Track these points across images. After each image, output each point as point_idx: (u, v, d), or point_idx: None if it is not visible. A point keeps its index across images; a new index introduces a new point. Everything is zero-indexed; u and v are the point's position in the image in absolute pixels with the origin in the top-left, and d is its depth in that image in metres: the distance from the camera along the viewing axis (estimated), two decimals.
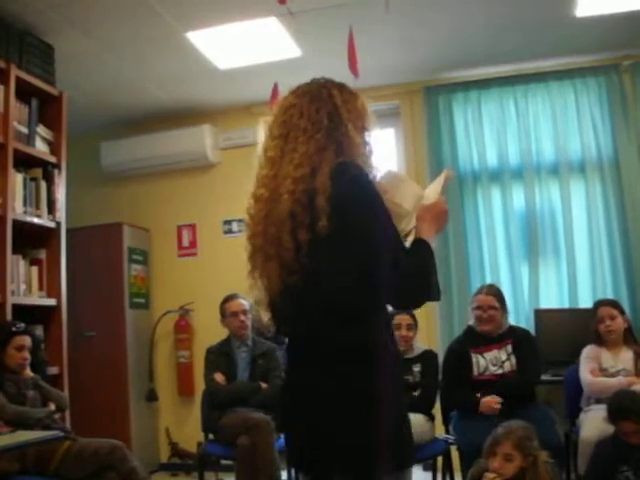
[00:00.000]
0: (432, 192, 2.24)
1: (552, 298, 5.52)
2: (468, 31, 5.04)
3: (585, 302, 5.26)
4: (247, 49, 5.17)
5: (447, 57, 5.52)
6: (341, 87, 2.16)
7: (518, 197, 5.69)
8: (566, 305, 5.42)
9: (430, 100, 5.93)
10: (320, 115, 2.05)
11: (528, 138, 5.67)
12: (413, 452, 2.02)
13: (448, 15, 4.77)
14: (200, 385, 5.17)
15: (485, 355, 4.38)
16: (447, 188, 2.33)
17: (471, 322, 4.59)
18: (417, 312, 5.20)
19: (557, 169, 5.61)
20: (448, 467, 4.39)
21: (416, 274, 1.93)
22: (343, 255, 1.90)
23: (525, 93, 5.71)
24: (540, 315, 5.25)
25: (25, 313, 4.21)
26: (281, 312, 2.09)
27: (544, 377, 4.65)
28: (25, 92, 4.47)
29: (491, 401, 4.16)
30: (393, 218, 2.04)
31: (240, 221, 5.43)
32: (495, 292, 4.54)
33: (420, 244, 2.02)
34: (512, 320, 4.83)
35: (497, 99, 5.77)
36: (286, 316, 2.08)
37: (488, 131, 5.79)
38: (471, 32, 5.06)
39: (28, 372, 3.88)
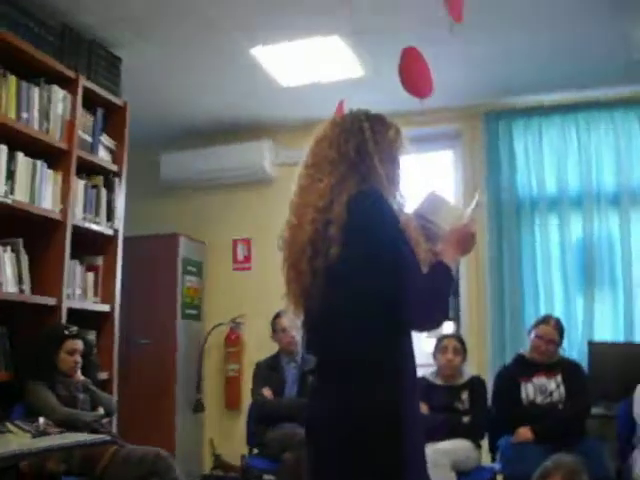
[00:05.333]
0: (465, 213, 2.26)
1: (607, 331, 5.38)
2: (533, 56, 4.98)
3: None
4: (310, 67, 5.21)
5: (511, 82, 5.47)
6: (373, 119, 2.22)
7: (576, 226, 5.59)
8: (621, 339, 5.28)
9: (490, 125, 5.88)
10: (348, 147, 2.13)
11: (589, 167, 5.57)
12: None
13: (514, 39, 4.74)
14: (247, 399, 5.19)
15: (534, 381, 4.33)
16: (479, 211, 2.35)
17: (522, 350, 4.55)
18: (468, 338, 5.18)
19: (617, 199, 5.50)
20: None
21: (430, 299, 1.96)
22: (357, 280, 1.97)
23: (588, 122, 5.62)
24: (594, 348, 5.12)
25: (79, 317, 4.27)
26: (305, 334, 2.19)
27: (596, 411, 4.56)
28: (91, 102, 4.57)
29: (525, 432, 4.15)
30: (431, 239, 2.12)
31: None
32: (559, 327, 4.51)
33: (439, 267, 2.05)
34: (565, 351, 4.74)
35: (559, 127, 5.69)
36: (308, 338, 2.19)
37: (548, 159, 5.72)
38: (536, 57, 5.00)
39: (79, 375, 3.94)
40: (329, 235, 1.99)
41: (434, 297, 1.97)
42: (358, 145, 2.13)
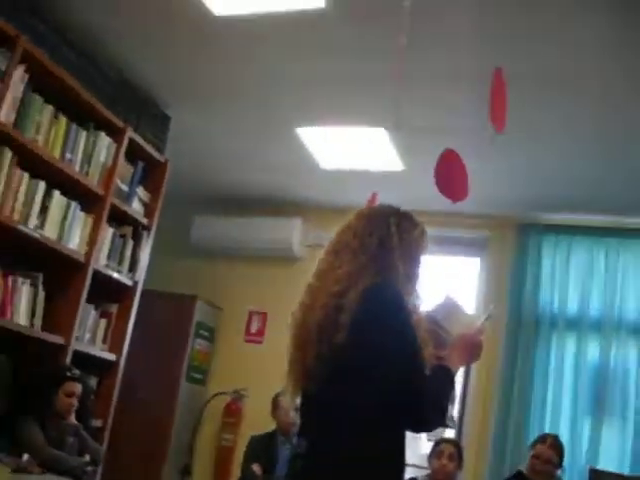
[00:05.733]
0: (477, 323, 2.27)
1: (612, 461, 5.24)
2: (571, 175, 5.07)
3: None
4: (352, 154, 5.32)
5: (545, 198, 5.54)
6: (401, 215, 2.24)
7: (593, 350, 5.54)
8: (626, 471, 5.13)
9: (521, 238, 5.92)
10: (372, 239, 2.14)
11: (613, 292, 5.56)
12: None
13: (553, 156, 4.83)
14: (237, 471, 5.10)
15: None
16: (491, 323, 2.38)
17: (522, 467, 4.45)
18: (468, 448, 5.10)
19: (638, 329, 5.47)
20: None
21: (431, 402, 1.96)
22: (360, 370, 1.96)
23: (617, 247, 5.63)
24: (596, 476, 4.92)
25: (84, 361, 4.27)
26: (300, 416, 2.20)
27: None
28: (134, 153, 4.68)
29: None
30: (439, 344, 2.13)
31: None
32: (558, 447, 4.41)
33: (443, 372, 2.06)
34: (565, 475, 4.63)
35: (588, 248, 5.71)
36: (302, 421, 2.19)
37: (573, 278, 5.72)
38: (574, 176, 5.08)
39: (72, 419, 3.90)
40: (339, 321, 1.98)
41: (432, 400, 1.97)
42: (382, 239, 2.14)
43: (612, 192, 5.22)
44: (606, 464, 5.19)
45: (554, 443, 4.41)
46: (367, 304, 1.99)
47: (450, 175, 3.58)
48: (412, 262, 2.17)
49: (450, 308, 2.26)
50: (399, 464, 2.05)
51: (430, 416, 2.00)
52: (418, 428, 2.13)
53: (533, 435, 5.10)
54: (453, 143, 3.18)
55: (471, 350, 2.17)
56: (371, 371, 1.94)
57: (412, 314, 2.04)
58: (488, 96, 2.90)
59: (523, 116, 4.10)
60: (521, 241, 5.91)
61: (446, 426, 2.05)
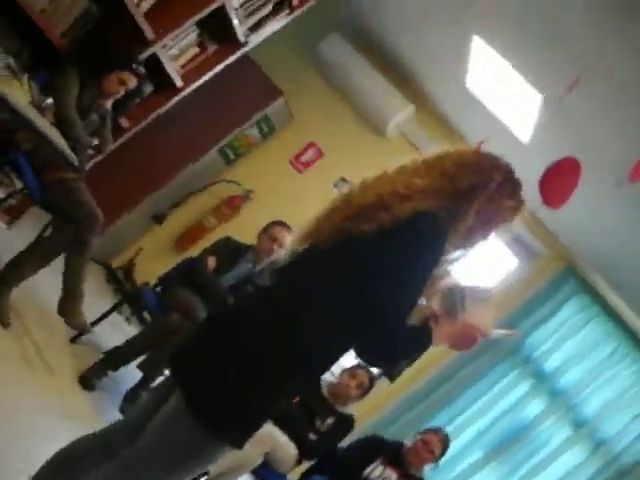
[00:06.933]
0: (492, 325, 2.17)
1: None
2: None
3: None
4: (498, 93, 5.14)
5: (601, 257, 5.38)
6: (509, 179, 2.09)
7: (534, 407, 5.63)
8: None
9: (561, 276, 5.84)
10: (467, 179, 2.02)
11: (591, 381, 5.55)
12: (244, 439, 1.91)
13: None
14: (194, 253, 5.17)
15: (386, 472, 4.31)
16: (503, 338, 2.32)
17: (407, 443, 4.51)
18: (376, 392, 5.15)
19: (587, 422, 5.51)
20: None
21: (392, 346, 1.87)
22: (353, 265, 1.90)
23: (627, 356, 5.57)
24: None
25: (154, 68, 4.23)
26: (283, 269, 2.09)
27: None
28: None
29: None
30: (449, 311, 2.04)
31: None
32: (446, 444, 4.49)
33: (424, 333, 1.96)
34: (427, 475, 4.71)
35: (606, 334, 5.64)
36: (282, 277, 2.09)
37: (571, 345, 5.68)
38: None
39: (108, 104, 3.89)
40: (378, 215, 1.91)
41: (393, 344, 1.88)
42: (475, 185, 2.02)
43: None
44: None
45: (445, 439, 4.49)
46: (411, 222, 1.89)
47: (560, 179, 3.44)
48: (483, 224, 2.06)
49: (483, 298, 2.17)
50: (321, 371, 2.02)
51: (382, 360, 1.97)
52: (364, 356, 1.97)
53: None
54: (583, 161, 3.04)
55: (463, 341, 2.06)
56: (365, 278, 1.86)
57: (438, 263, 1.95)
58: None
59: None
60: (558, 278, 5.81)
61: (386, 376, 2.02)
